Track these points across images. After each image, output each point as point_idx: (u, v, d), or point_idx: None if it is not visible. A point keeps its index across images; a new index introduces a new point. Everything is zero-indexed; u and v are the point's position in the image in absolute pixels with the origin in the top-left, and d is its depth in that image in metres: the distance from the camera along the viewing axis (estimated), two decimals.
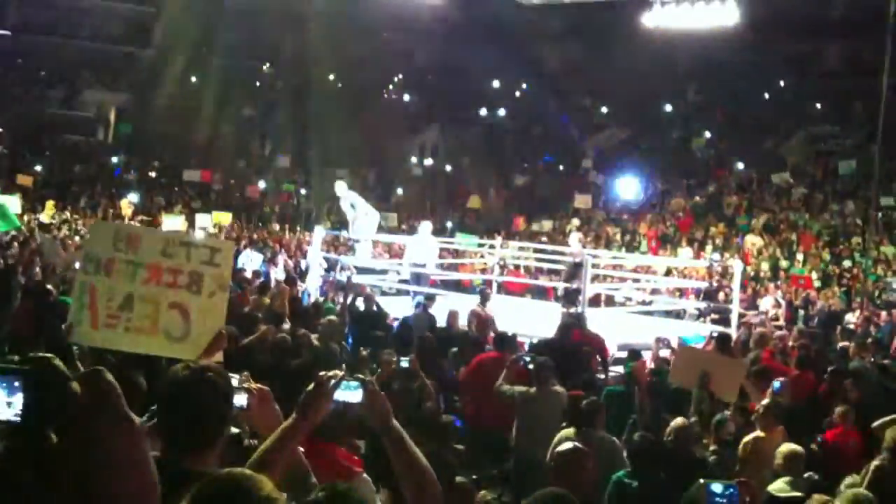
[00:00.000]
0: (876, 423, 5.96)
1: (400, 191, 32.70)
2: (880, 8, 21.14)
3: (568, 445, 4.80)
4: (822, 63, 35.57)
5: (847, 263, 22.20)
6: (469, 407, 8.76)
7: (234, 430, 3.88)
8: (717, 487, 3.79)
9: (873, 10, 22.89)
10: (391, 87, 41.83)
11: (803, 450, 6.10)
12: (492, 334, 10.49)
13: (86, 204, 26.97)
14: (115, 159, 33.43)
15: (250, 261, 17.45)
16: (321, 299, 13.31)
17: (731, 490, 3.77)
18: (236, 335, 7.90)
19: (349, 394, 3.04)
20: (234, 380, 3.40)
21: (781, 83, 34.84)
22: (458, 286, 16.60)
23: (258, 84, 40.75)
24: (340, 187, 16.12)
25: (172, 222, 19.18)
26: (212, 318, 4.50)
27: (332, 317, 10.33)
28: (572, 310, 13.50)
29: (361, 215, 15.86)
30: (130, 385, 4.32)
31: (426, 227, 15.98)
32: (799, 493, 5.58)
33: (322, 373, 3.12)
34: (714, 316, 15.97)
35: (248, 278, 13.05)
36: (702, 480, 4.08)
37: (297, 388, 3.27)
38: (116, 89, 38.65)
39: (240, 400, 3.12)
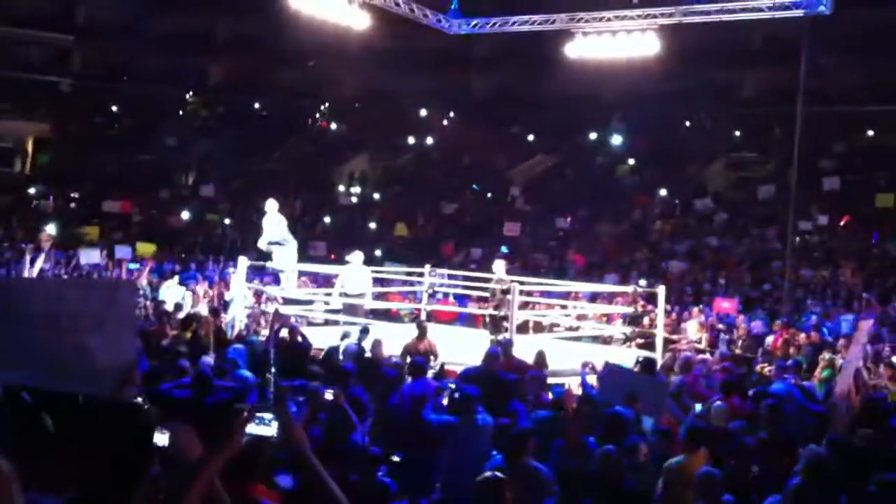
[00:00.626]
0: None
1: (328, 219, 32.43)
2: (796, 38, 21.86)
3: (486, 475, 4.71)
4: (741, 91, 36.59)
5: (768, 287, 22.69)
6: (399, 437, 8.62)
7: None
8: None
9: (789, 40, 23.65)
10: (318, 115, 41.63)
11: (717, 472, 6.10)
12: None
13: (3, 236, 26.12)
14: (32, 190, 32.48)
15: (170, 292, 17.07)
16: (244, 331, 13.04)
17: None
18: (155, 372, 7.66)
19: (263, 428, 2.95)
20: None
21: (702, 111, 35.68)
22: (386, 315, 16.43)
23: (181, 112, 40.14)
24: (271, 206, 15.87)
25: (90, 254, 18.62)
26: (121, 355, 4.37)
27: (238, 346, 10.14)
28: (500, 336, 13.51)
29: (283, 242, 15.65)
30: (36, 426, 4.11)
31: (358, 256, 15.84)
32: None
33: (236, 406, 3.05)
34: (640, 341, 16.14)
35: (167, 311, 12.71)
36: None
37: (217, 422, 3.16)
38: (34, 118, 37.67)
39: (161, 439, 3.01)
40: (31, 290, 4.56)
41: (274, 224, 15.70)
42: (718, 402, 8.82)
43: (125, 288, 4.68)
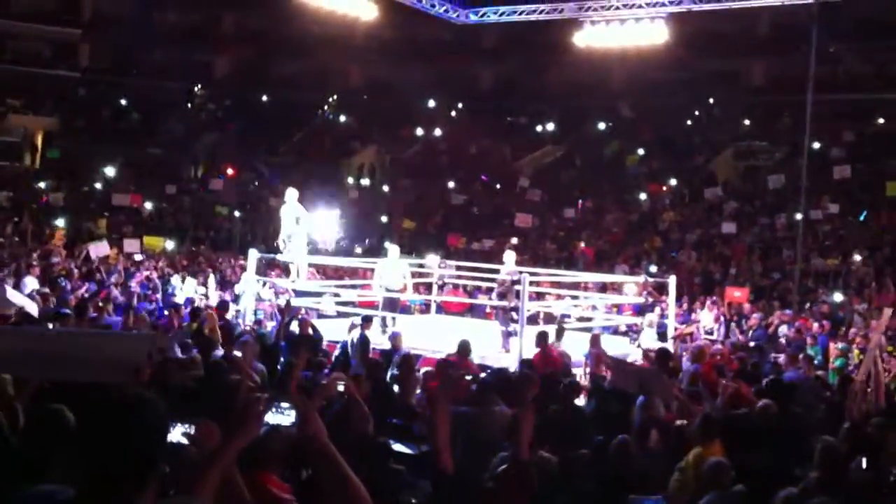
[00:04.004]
0: None
1: (336, 212, 32.40)
2: (804, 25, 21.71)
3: (518, 462, 4.66)
4: (750, 80, 36.43)
5: (778, 276, 22.60)
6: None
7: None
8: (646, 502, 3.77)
9: (798, 27, 23.51)
10: (326, 107, 41.59)
11: (728, 462, 6.05)
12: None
13: (12, 231, 26.17)
14: (42, 185, 32.54)
15: (186, 286, 17.10)
16: (254, 324, 13.05)
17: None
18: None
19: (281, 417, 2.95)
20: None
21: (711, 100, 35.54)
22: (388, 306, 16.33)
23: (189, 105, 40.15)
24: (292, 195, 15.69)
25: (99, 248, 18.62)
26: (133, 352, 4.40)
27: (247, 338, 10.13)
28: (510, 328, 13.48)
29: (300, 232, 15.54)
30: (57, 420, 4.11)
31: (395, 250, 15.62)
32: None
33: (254, 394, 3.02)
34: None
35: (177, 304, 12.71)
36: (631, 496, 4.02)
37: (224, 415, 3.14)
38: (42, 113, 37.74)
39: (183, 437, 3.00)
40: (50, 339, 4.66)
41: (285, 215, 15.64)
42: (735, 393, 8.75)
43: (148, 340, 4.81)
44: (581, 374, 11.06)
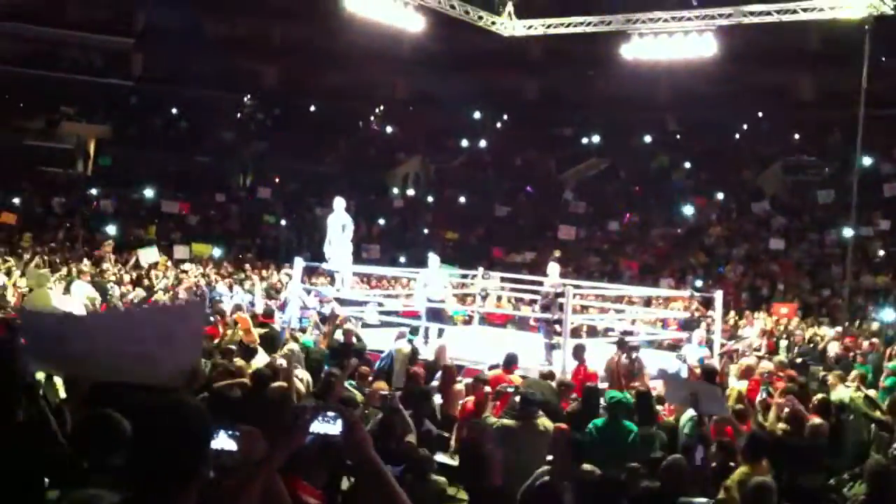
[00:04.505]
0: None
1: (381, 221, 32.59)
2: (857, 39, 21.39)
3: (544, 480, 4.67)
4: (799, 94, 35.97)
5: (827, 293, 22.26)
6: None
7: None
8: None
9: (850, 41, 23.16)
10: (372, 117, 41.87)
11: (773, 482, 5.95)
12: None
13: (64, 237, 26.67)
14: (93, 191, 33.15)
15: (229, 294, 17.29)
16: (299, 332, 13.15)
17: None
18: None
19: (327, 426, 2.95)
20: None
21: (759, 114, 35.15)
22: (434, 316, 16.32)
23: (238, 115, 40.68)
24: (339, 204, 15.83)
25: (148, 254, 18.95)
26: (184, 360, 4.44)
27: (293, 346, 10.20)
28: (554, 341, 13.44)
29: (345, 241, 15.66)
30: (111, 425, 4.16)
31: (435, 259, 15.63)
32: None
33: (300, 404, 3.04)
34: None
35: (223, 311, 12.86)
36: (682, 499, 3.99)
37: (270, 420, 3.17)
38: (96, 121, 38.48)
39: (228, 444, 3.02)
40: (102, 322, 4.65)
41: (331, 224, 15.76)
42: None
43: (195, 307, 4.80)
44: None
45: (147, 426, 2.66)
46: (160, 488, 2.57)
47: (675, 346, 15.39)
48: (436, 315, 14.59)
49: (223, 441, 3.07)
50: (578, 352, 11.57)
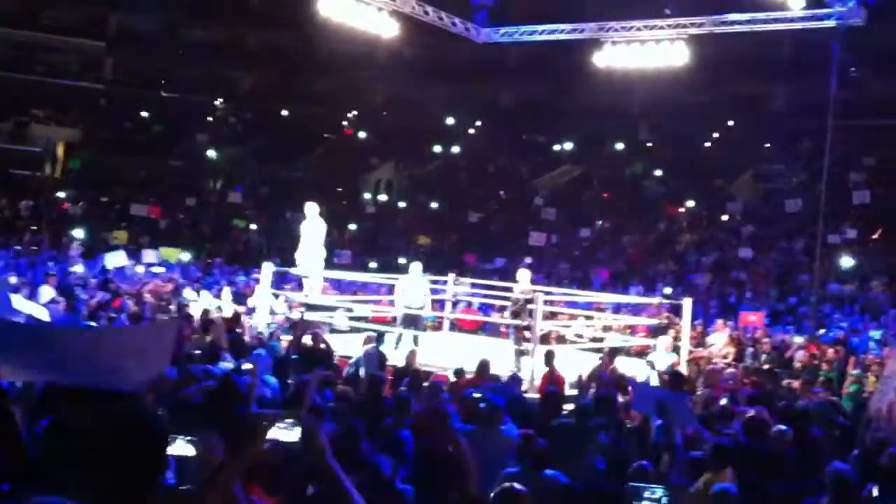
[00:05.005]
0: None
1: (353, 227, 32.50)
2: (827, 50, 21.64)
3: (505, 486, 4.65)
4: (771, 103, 36.32)
5: (794, 300, 22.44)
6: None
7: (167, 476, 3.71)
8: (646, 491, 3.77)
9: (820, 52, 23.42)
10: (345, 123, 41.78)
11: (734, 489, 5.97)
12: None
13: (30, 241, 26.36)
14: (61, 194, 32.79)
15: (196, 298, 17.14)
16: (266, 337, 13.06)
17: (660, 494, 3.73)
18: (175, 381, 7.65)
19: (285, 433, 2.94)
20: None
21: (730, 123, 35.46)
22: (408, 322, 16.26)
23: (210, 119, 40.44)
24: (312, 209, 15.73)
25: (115, 258, 18.76)
26: (152, 367, 4.39)
27: (260, 351, 10.11)
28: (523, 347, 13.43)
29: (317, 247, 15.57)
30: (63, 428, 4.10)
31: (417, 267, 15.64)
32: None
33: (259, 411, 3.04)
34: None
35: (190, 315, 12.74)
36: (630, 484, 4.00)
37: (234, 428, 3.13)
38: (66, 124, 38.12)
39: (186, 450, 2.99)
40: (74, 334, 4.61)
41: (304, 229, 15.67)
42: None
43: (170, 326, 4.78)
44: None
45: (102, 432, 2.62)
46: (116, 495, 2.54)
47: (642, 353, 15.44)
48: (412, 322, 14.59)
49: (181, 447, 3.05)
50: (548, 358, 11.58)
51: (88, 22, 39.65)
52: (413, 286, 14.87)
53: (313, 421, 3.06)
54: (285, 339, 12.79)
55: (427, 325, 17.58)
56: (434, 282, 18.94)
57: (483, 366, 10.71)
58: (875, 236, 25.79)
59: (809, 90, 29.55)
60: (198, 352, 9.73)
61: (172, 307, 15.44)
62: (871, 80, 31.68)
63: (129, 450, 2.53)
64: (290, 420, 2.96)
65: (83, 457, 2.95)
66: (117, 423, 2.59)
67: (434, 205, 34.47)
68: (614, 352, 11.96)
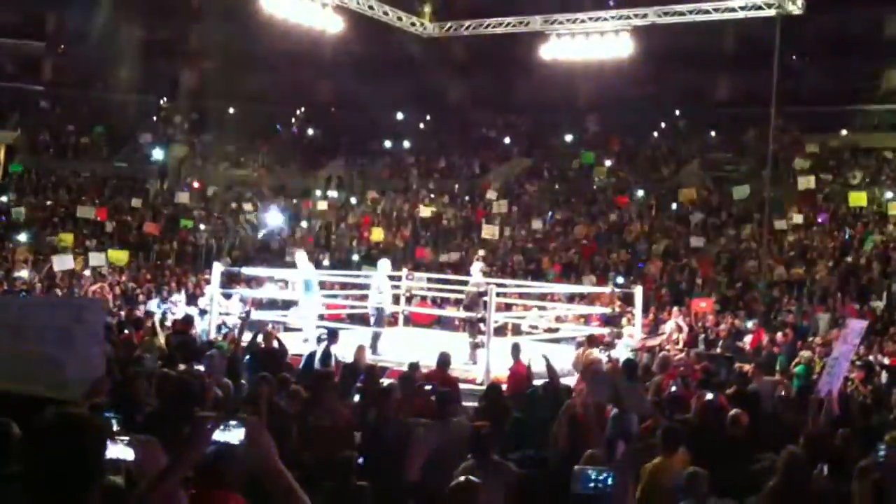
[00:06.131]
0: None
1: (304, 224, 32.26)
2: (770, 40, 22.02)
3: (460, 480, 4.64)
4: (716, 93, 36.82)
5: (741, 286, 22.73)
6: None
7: (116, 479, 3.65)
8: (591, 473, 3.79)
9: (763, 42, 23.81)
10: (294, 120, 41.44)
11: (704, 471, 6.05)
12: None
13: None
14: (3, 198, 32.06)
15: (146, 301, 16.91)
16: (218, 337, 12.91)
17: (605, 475, 3.76)
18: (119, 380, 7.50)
19: (230, 433, 2.90)
20: (112, 423, 3.18)
21: (677, 112, 35.89)
22: (361, 320, 16.26)
23: (154, 119, 39.85)
24: (302, 257, 15.61)
25: (63, 261, 18.41)
26: (89, 368, 4.33)
27: (213, 352, 9.99)
28: (477, 339, 13.47)
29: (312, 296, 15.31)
30: (2, 433, 4.04)
31: (385, 264, 15.63)
32: None
33: (200, 413, 3.02)
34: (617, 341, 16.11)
35: (139, 318, 12.54)
36: (576, 467, 4.02)
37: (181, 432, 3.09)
38: (6, 127, 37.26)
39: (125, 453, 2.96)
40: None
41: (295, 278, 15.41)
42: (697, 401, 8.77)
43: (92, 305, 4.69)
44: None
45: (39, 441, 2.61)
46: (55, 499, 2.54)
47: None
48: (378, 319, 14.60)
49: (120, 450, 3.02)
50: (515, 350, 11.60)
51: (25, 22, 38.83)
52: (382, 283, 14.96)
53: (257, 421, 3.04)
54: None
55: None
56: (389, 277, 18.92)
57: (443, 358, 10.71)
58: (820, 220, 26.27)
59: (753, 80, 30.03)
60: (148, 355, 9.57)
61: (123, 313, 15.19)
62: (811, 68, 32.40)
63: (64, 459, 2.54)
64: (235, 421, 2.94)
65: (19, 461, 2.92)
66: (53, 432, 2.59)
67: (385, 200, 34.36)
68: (592, 339, 12.08)
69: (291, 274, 15.50)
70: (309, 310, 15.13)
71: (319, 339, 12.35)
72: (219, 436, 2.89)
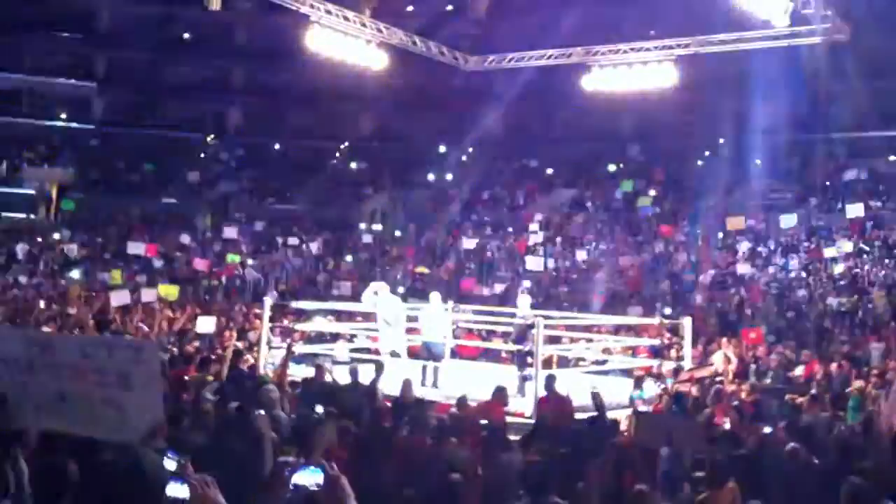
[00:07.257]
0: None
1: (349, 258, 32.47)
2: (815, 66, 21.86)
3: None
4: (760, 120, 36.47)
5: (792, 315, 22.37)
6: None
7: None
8: None
9: (808, 68, 23.65)
10: (337, 154, 41.89)
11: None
12: None
13: (27, 283, 26.28)
14: (56, 236, 32.74)
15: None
16: (268, 371, 13.00)
17: None
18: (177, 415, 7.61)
19: (308, 477, 2.92)
20: (171, 463, 3.19)
21: (721, 140, 35.63)
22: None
23: (202, 155, 40.54)
24: (383, 288, 15.63)
25: (120, 296, 18.71)
26: (149, 412, 4.39)
27: (270, 386, 10.03)
28: (525, 372, 13.42)
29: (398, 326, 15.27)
30: (59, 473, 4.11)
31: (436, 297, 15.63)
32: None
33: (281, 459, 3.03)
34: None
35: (192, 353, 12.70)
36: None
37: (240, 469, 3.11)
38: (58, 165, 38.15)
39: (181, 491, 2.97)
40: (56, 343, 4.66)
41: (378, 309, 15.37)
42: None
43: (148, 348, 4.78)
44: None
45: (98, 482, 2.63)
46: None
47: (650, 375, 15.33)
48: (434, 354, 14.54)
49: (175, 489, 3.03)
50: (549, 382, 11.54)
51: (76, 63, 39.86)
52: (436, 317, 14.90)
53: (334, 469, 3.02)
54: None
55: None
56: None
57: (500, 393, 10.67)
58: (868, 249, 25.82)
59: (798, 106, 29.74)
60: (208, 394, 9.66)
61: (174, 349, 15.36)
62: (858, 94, 31.99)
63: (117, 497, 2.56)
64: (315, 466, 2.94)
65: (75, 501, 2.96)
66: (108, 473, 2.62)
67: (429, 233, 34.49)
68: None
69: (378, 305, 15.38)
70: (400, 335, 15.15)
71: (352, 372, 12.24)
72: (297, 479, 2.91)
